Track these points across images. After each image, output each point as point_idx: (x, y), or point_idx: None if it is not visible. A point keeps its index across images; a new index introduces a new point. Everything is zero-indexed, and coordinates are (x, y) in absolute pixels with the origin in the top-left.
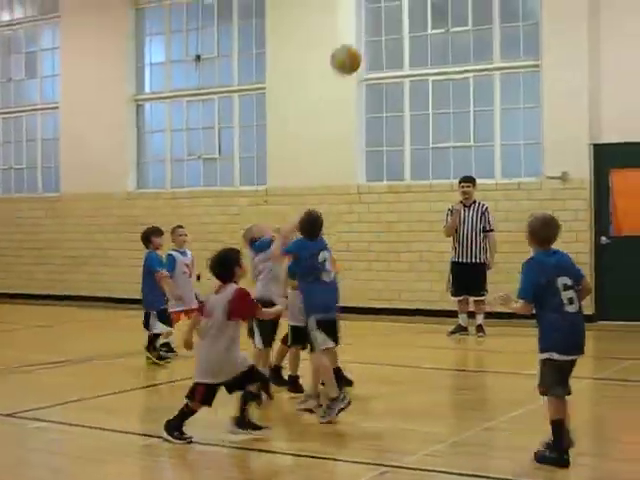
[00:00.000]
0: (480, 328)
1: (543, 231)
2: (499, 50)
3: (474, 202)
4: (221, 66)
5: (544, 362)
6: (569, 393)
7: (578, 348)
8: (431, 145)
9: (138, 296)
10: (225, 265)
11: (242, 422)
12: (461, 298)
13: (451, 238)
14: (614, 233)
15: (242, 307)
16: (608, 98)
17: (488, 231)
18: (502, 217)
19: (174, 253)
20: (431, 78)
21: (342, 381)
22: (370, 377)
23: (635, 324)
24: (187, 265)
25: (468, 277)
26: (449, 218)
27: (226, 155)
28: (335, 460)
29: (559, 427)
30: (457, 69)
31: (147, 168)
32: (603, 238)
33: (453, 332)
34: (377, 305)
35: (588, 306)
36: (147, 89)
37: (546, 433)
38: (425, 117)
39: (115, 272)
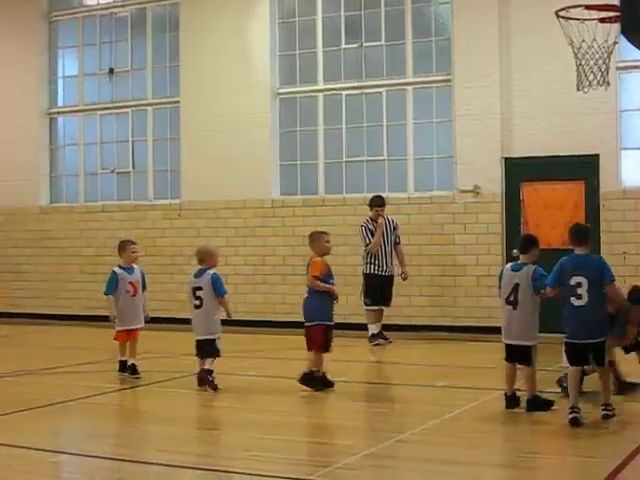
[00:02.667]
0: (382, 334)
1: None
2: (412, 65)
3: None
4: (135, 79)
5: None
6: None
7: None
8: (345, 159)
9: (51, 312)
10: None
11: None
12: (377, 308)
13: (365, 252)
14: None
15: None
16: (519, 113)
17: (397, 244)
18: (415, 230)
19: (117, 270)
20: (344, 92)
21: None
22: (283, 389)
23: (545, 335)
24: (132, 283)
25: (385, 288)
26: (368, 235)
27: (140, 169)
28: (241, 474)
29: None
30: (370, 83)
31: (60, 182)
32: (514, 251)
33: (376, 342)
34: (292, 318)
35: (500, 318)
36: (60, 102)
37: (454, 445)
38: (339, 131)
39: (29, 287)
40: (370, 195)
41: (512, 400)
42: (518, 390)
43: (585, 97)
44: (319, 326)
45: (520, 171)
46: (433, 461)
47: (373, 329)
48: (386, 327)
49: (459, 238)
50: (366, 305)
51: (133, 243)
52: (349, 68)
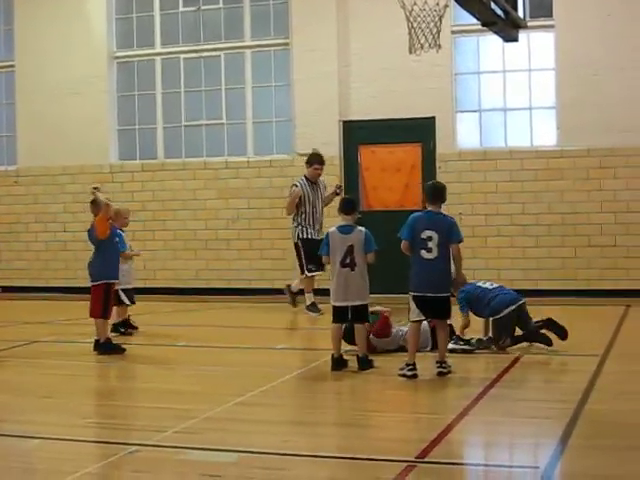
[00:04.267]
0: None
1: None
2: (250, 29)
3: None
4: None
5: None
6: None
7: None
8: (183, 123)
9: None
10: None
11: None
12: (315, 274)
13: (296, 215)
14: (365, 208)
15: None
16: (356, 77)
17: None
18: (255, 194)
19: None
20: (182, 56)
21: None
22: (120, 356)
23: (387, 296)
24: None
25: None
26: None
27: None
28: (83, 442)
29: None
30: (208, 47)
31: None
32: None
33: (314, 310)
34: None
35: None
36: None
37: (292, 406)
38: (177, 95)
39: None
40: (211, 159)
41: (339, 362)
42: (353, 352)
43: (421, 60)
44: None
45: (358, 134)
46: (272, 422)
47: (311, 297)
48: (228, 291)
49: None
50: (310, 272)
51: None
52: (187, 31)
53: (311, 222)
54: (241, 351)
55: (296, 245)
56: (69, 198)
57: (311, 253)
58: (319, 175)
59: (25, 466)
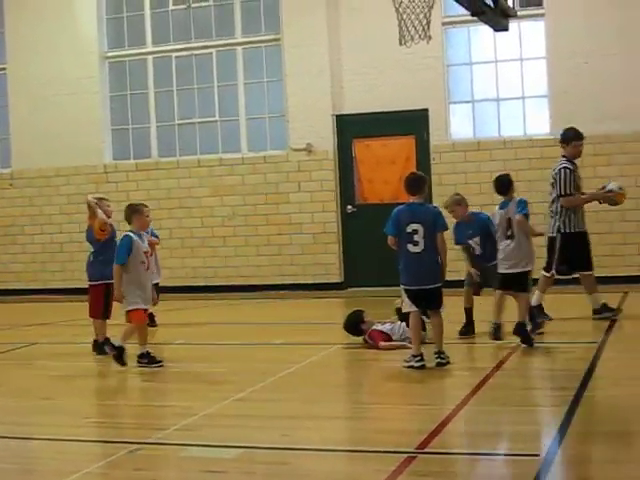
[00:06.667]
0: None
1: None
2: (240, 25)
3: None
4: None
5: None
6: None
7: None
8: (177, 121)
9: None
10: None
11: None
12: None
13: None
14: (360, 201)
15: None
16: (348, 70)
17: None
18: (250, 190)
19: (133, 236)
20: (174, 54)
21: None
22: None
23: (381, 289)
24: (145, 254)
25: (579, 249)
26: (572, 181)
27: None
28: (83, 441)
29: None
30: (200, 45)
31: None
32: (349, 207)
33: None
34: None
35: (336, 274)
36: None
37: (293, 400)
38: (169, 93)
39: None
40: (205, 157)
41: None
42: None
43: (413, 52)
44: (103, 286)
45: (351, 128)
46: (272, 417)
47: (542, 299)
48: (226, 288)
49: (294, 196)
50: (559, 273)
51: (145, 206)
52: (178, 30)
53: (574, 211)
54: (238, 347)
55: (551, 239)
56: (64, 200)
57: (570, 251)
58: (581, 153)
59: (25, 467)
